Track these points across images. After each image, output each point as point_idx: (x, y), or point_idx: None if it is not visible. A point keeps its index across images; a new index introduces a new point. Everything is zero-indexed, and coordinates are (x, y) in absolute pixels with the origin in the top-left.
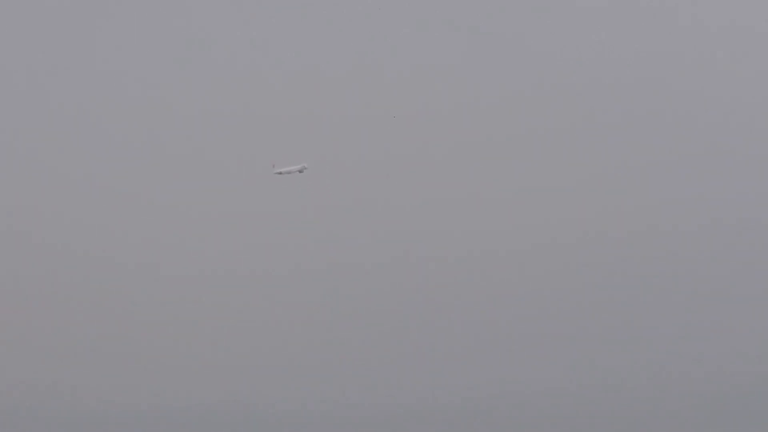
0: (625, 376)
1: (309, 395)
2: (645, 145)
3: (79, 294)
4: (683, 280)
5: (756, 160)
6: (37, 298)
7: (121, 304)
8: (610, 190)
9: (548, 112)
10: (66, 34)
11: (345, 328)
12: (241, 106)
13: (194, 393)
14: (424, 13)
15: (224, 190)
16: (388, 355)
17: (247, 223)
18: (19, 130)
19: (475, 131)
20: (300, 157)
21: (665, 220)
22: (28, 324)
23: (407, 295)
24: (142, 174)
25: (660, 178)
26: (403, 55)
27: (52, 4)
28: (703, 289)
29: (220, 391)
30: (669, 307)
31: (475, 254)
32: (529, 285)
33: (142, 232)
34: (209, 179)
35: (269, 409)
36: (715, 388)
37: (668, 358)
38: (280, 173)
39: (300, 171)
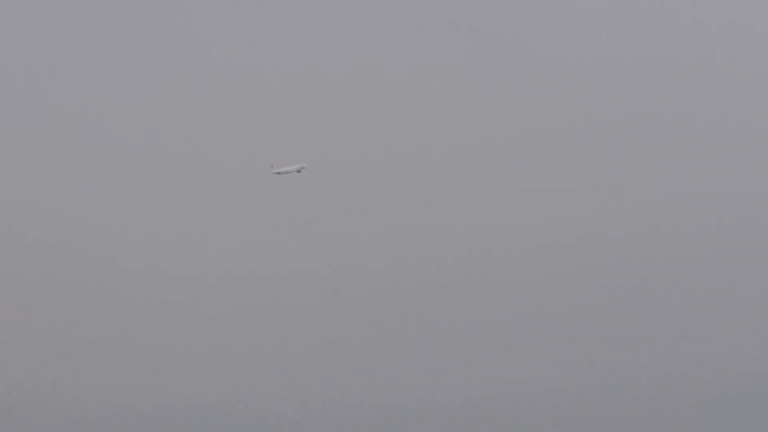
0: (625, 376)
1: (309, 395)
2: (645, 145)
3: (78, 294)
4: (683, 280)
5: (756, 160)
6: (37, 298)
7: (120, 303)
8: (610, 190)
9: (548, 112)
10: (66, 34)
11: (345, 329)
12: (240, 105)
13: (194, 393)
14: (424, 13)
15: (222, 190)
16: (388, 355)
17: (245, 223)
18: (19, 130)
19: (474, 131)
20: (298, 157)
21: (665, 220)
22: (28, 324)
23: (407, 295)
24: (140, 173)
25: (660, 178)
26: (403, 55)
27: (52, 4)
28: (703, 289)
29: (220, 391)
30: (669, 307)
31: (475, 254)
32: (529, 285)
33: (140, 231)
34: (207, 178)
35: (269, 409)
36: (715, 388)
37: (668, 358)
38: (279, 173)
39: (298, 171)
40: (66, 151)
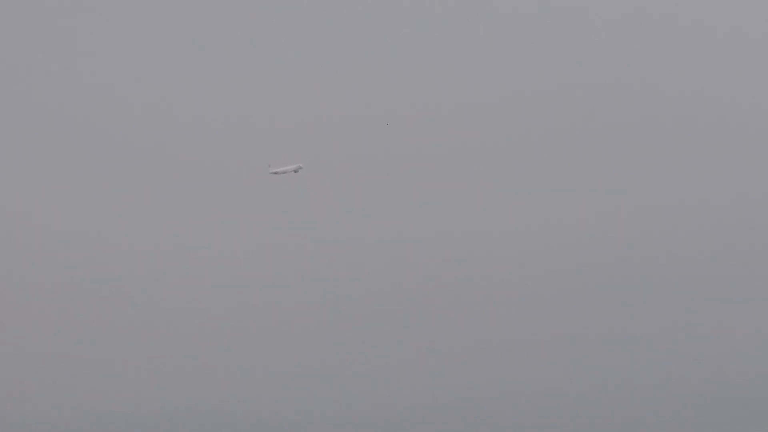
0: (625, 377)
1: (309, 395)
2: (645, 146)
3: (77, 294)
4: (683, 280)
5: (756, 160)
6: (37, 298)
7: (118, 303)
8: (610, 191)
9: (548, 113)
10: (66, 34)
11: (344, 329)
12: (238, 105)
13: (194, 393)
14: (424, 13)
15: (219, 189)
16: (388, 355)
17: (242, 223)
18: (18, 131)
19: (474, 131)
20: (296, 156)
21: (665, 220)
22: (28, 324)
23: (407, 295)
24: (138, 173)
25: (660, 178)
26: (403, 55)
27: (51, 4)
28: (703, 289)
29: (220, 391)
30: (669, 307)
31: (475, 255)
32: (529, 286)
33: (137, 230)
34: (204, 178)
35: (269, 409)
36: (715, 388)
37: (668, 358)
38: (276, 173)
39: (295, 171)
40: (65, 152)
